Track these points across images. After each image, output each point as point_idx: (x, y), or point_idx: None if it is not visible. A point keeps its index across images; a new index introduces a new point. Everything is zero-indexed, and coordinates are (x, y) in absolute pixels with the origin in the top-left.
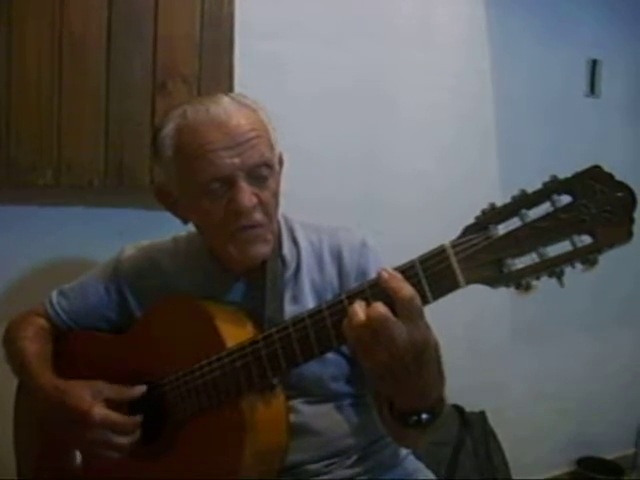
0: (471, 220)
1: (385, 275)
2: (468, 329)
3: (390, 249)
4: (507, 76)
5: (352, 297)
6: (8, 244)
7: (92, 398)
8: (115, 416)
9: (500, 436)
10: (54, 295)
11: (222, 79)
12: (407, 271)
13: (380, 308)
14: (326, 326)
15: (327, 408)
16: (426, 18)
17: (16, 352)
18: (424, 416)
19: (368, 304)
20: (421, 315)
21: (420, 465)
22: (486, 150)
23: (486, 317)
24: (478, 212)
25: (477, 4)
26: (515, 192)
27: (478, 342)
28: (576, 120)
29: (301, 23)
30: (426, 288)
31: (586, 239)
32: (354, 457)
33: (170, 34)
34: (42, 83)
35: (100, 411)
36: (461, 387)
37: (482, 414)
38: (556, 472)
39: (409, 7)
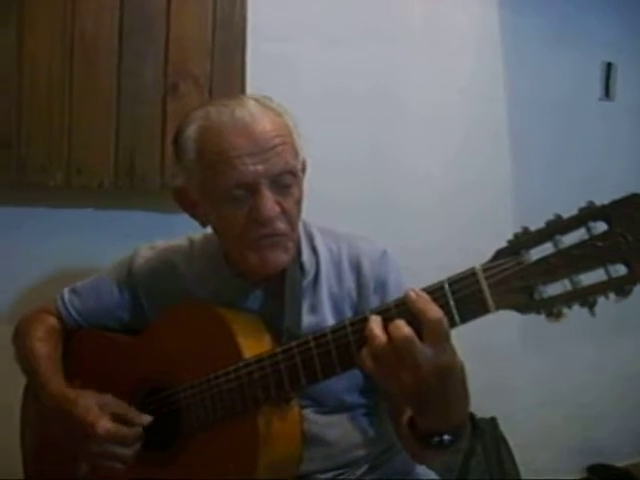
0: (480, 223)
1: (413, 295)
2: (476, 334)
3: (398, 251)
4: (519, 79)
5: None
6: (18, 245)
7: (99, 410)
8: (118, 429)
9: (509, 441)
10: (66, 293)
11: (234, 81)
12: (435, 292)
13: (404, 330)
14: (349, 343)
15: (340, 418)
16: (438, 20)
17: (26, 352)
18: (446, 437)
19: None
20: (448, 338)
21: (430, 473)
22: (497, 153)
23: (494, 322)
24: (487, 216)
25: (490, 6)
26: (526, 196)
27: (486, 347)
28: (589, 123)
29: (312, 25)
30: (454, 311)
31: (620, 268)
32: (364, 467)
33: (182, 36)
34: (53, 84)
35: (105, 424)
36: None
37: (493, 420)
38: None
39: (420, 8)
